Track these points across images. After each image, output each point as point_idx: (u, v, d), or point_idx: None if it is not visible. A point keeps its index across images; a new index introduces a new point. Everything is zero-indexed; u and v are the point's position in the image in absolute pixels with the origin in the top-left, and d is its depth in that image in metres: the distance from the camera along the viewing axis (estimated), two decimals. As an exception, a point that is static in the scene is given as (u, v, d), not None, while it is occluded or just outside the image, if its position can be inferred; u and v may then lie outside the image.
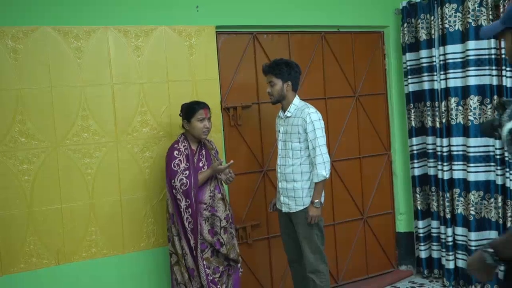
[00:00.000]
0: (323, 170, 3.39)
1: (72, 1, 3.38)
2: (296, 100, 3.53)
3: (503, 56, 3.76)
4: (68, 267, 3.38)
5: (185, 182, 3.26)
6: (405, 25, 4.48)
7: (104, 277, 3.49)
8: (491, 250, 2.10)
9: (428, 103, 4.35)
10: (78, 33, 3.40)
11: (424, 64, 4.34)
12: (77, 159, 3.41)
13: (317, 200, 3.42)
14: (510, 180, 3.80)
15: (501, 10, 3.71)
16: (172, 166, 3.30)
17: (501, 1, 3.72)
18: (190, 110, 3.38)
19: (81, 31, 3.41)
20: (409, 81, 4.49)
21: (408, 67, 4.51)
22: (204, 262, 3.30)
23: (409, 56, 4.49)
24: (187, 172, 3.29)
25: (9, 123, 3.23)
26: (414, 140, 4.54)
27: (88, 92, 3.44)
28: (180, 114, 3.44)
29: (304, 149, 3.46)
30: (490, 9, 3.85)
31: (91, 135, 3.45)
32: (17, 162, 3.25)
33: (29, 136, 3.28)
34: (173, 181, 3.27)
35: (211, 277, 3.30)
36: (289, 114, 3.52)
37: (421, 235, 4.54)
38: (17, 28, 3.23)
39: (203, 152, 3.44)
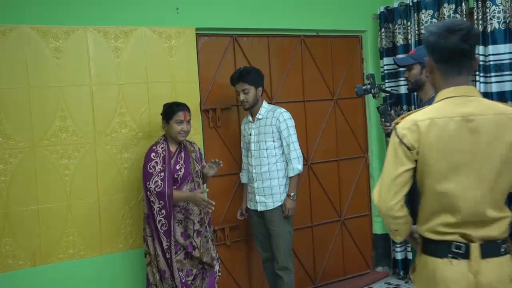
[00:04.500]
0: (298, 164, 3.65)
1: (51, 0, 3.36)
2: (265, 103, 3.74)
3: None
4: (44, 268, 3.35)
5: (159, 184, 3.25)
6: (383, 30, 4.55)
7: (81, 279, 3.46)
8: None
9: (404, 107, 4.42)
10: (57, 33, 3.38)
11: (401, 69, 4.39)
12: (55, 160, 3.39)
13: (293, 193, 3.65)
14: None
15: (475, 16, 3.80)
16: (148, 169, 3.29)
17: (474, 8, 3.81)
18: (169, 111, 3.38)
19: (60, 31, 3.39)
20: (387, 85, 4.56)
21: (386, 71, 4.58)
22: (178, 265, 3.30)
23: (386, 60, 4.56)
24: (162, 174, 3.27)
25: (-14, 123, 3.20)
26: (391, 143, 4.59)
27: (66, 92, 3.42)
28: (161, 114, 3.44)
29: (277, 147, 3.66)
30: (464, 15, 3.94)
31: (69, 136, 3.43)
32: (-7, 162, 3.22)
33: (6, 136, 3.25)
34: (148, 183, 3.26)
35: (184, 279, 3.30)
36: (260, 117, 3.70)
37: (397, 236, 4.60)
38: (-6, 27, 3.21)
39: (182, 154, 3.43)
